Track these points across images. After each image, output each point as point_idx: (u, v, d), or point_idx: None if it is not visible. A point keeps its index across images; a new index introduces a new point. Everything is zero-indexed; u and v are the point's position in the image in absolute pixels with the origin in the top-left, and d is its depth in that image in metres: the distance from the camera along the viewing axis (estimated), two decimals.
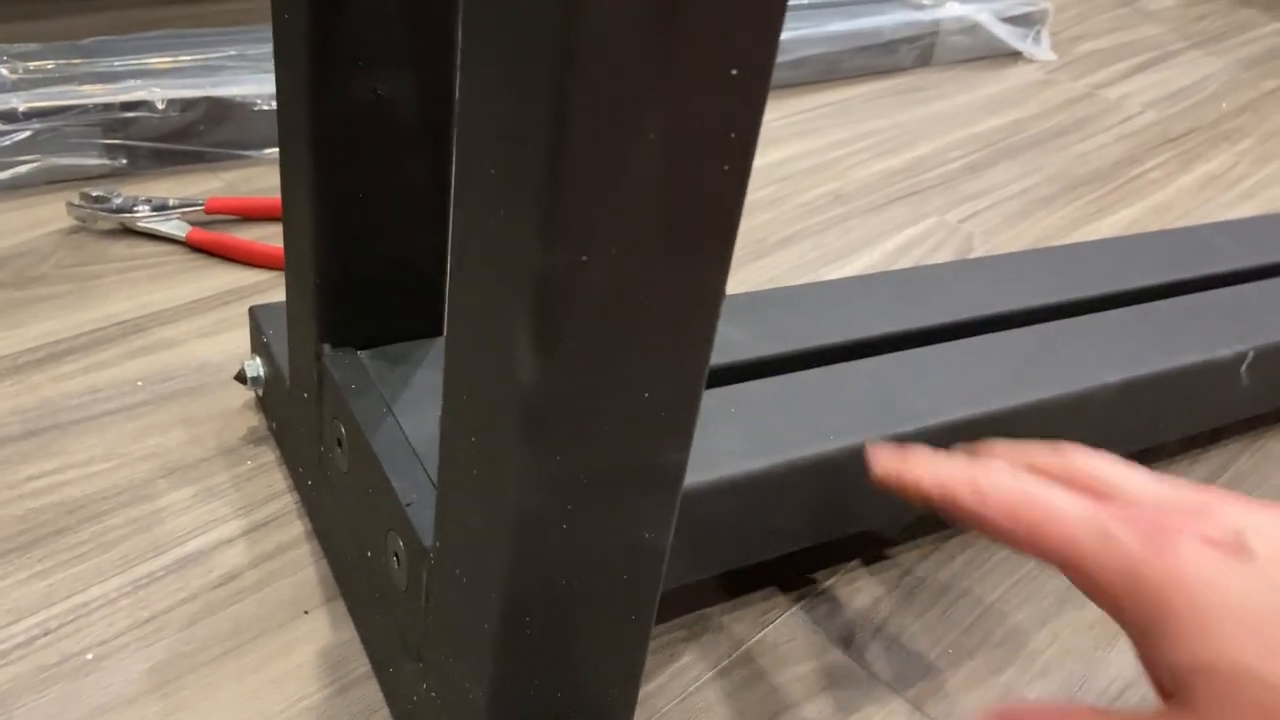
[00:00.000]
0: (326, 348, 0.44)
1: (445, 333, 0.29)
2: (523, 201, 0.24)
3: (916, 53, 1.18)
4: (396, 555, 0.38)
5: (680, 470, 0.30)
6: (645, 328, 0.26)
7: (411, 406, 0.42)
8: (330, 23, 0.37)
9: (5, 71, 0.75)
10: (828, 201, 0.89)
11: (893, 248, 0.83)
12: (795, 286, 0.56)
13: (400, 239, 0.43)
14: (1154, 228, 0.91)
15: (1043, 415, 0.50)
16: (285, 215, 0.44)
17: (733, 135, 0.24)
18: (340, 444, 0.43)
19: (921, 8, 1.18)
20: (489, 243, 0.25)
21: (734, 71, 0.23)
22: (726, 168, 0.25)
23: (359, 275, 0.43)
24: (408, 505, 0.37)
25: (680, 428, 0.29)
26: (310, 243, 0.41)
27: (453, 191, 0.27)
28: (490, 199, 0.25)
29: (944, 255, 0.83)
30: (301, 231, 0.42)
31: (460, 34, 0.25)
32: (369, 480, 0.40)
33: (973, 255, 0.83)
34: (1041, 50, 1.26)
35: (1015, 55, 1.26)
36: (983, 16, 1.20)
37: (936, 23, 1.17)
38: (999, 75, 1.21)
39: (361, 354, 0.44)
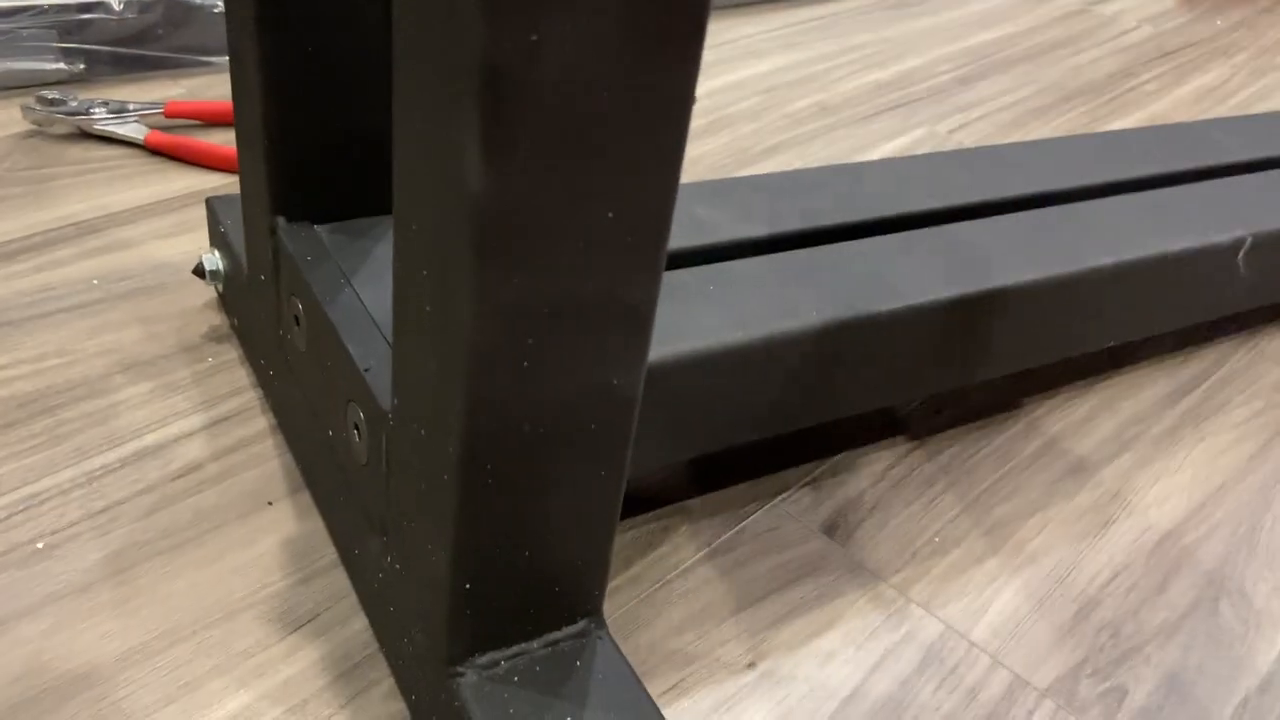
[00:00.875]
0: (281, 220, 0.42)
1: (393, 156, 0.27)
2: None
3: None
4: (357, 427, 0.36)
5: (650, 307, 0.28)
6: (607, 130, 0.24)
7: (370, 279, 0.40)
8: None
9: None
10: (814, 113, 0.86)
11: (879, 156, 0.81)
12: (778, 173, 0.54)
13: (351, 108, 0.40)
14: None
15: (1032, 296, 0.48)
16: (234, 88, 0.41)
17: None
18: (298, 321, 0.41)
19: None
20: (431, 29, 0.23)
21: None
22: None
23: (311, 146, 0.41)
24: (366, 371, 0.35)
25: (648, 256, 0.27)
26: (259, 107, 0.39)
27: None
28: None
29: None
30: (251, 102, 0.40)
31: None
32: (327, 354, 0.38)
33: None
34: None
35: None
36: None
37: None
38: None
39: (318, 228, 0.42)
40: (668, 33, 0.23)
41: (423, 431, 0.30)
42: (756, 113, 0.85)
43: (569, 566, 0.33)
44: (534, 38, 0.22)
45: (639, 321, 0.28)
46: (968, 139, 0.85)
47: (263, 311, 0.46)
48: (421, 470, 0.31)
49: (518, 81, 0.22)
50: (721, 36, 0.98)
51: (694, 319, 0.41)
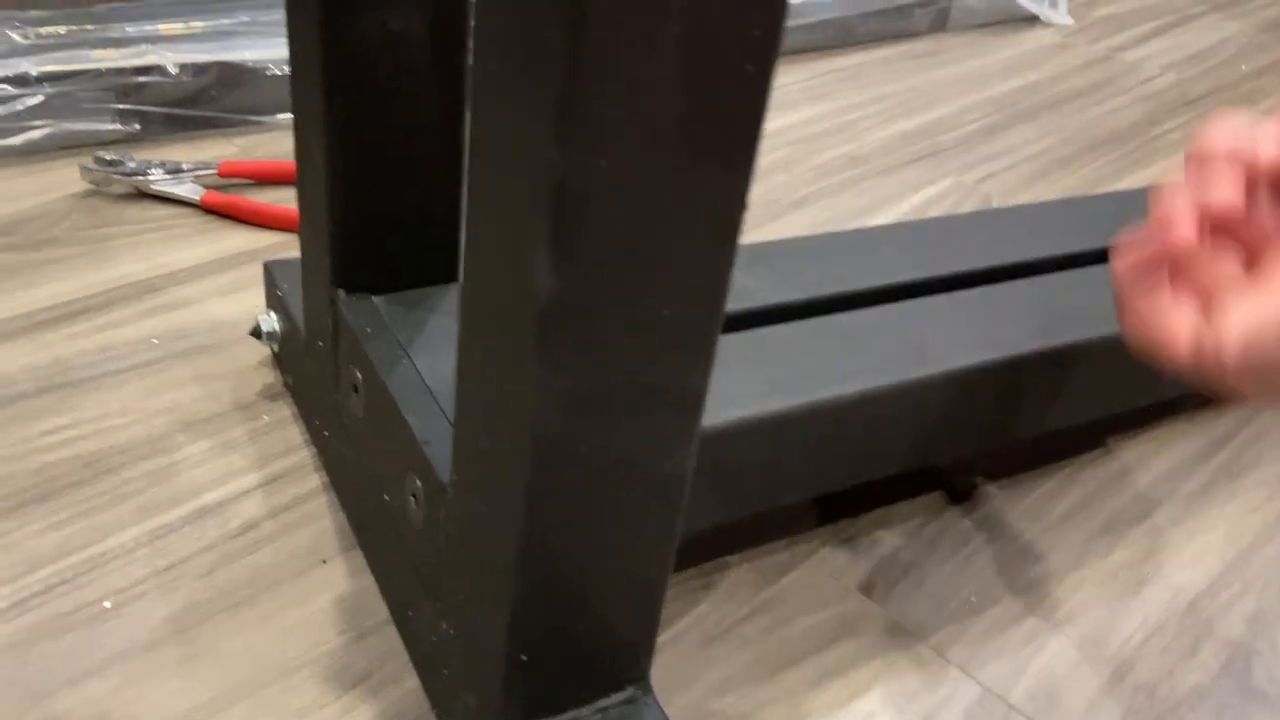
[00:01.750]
0: (341, 293, 0.43)
1: (462, 251, 0.29)
2: (537, 98, 0.23)
3: (931, 17, 1.16)
4: (414, 495, 0.38)
5: (700, 395, 0.30)
6: (665, 236, 0.26)
7: (427, 349, 0.41)
8: None
9: (17, 37, 0.75)
10: (843, 163, 0.88)
11: (909, 208, 0.82)
12: (812, 236, 0.55)
13: (414, 181, 0.42)
14: None
15: (1067, 361, 0.49)
16: (298, 159, 0.43)
17: (756, 33, 0.23)
18: (356, 389, 0.43)
19: None
20: (503, 145, 0.25)
21: None
22: (749, 68, 0.24)
23: (373, 218, 0.43)
24: (425, 444, 0.37)
25: (701, 348, 0.29)
26: (324, 185, 0.41)
27: (469, 93, 0.26)
28: (505, 96, 0.24)
29: (962, 210, 0.82)
30: (315, 174, 0.42)
31: None
32: (385, 423, 0.40)
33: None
34: (1059, 14, 1.24)
35: (1032, 19, 1.24)
36: None
37: None
38: (1015, 39, 1.19)
39: (376, 299, 0.44)
40: (724, 149, 0.25)
41: (483, 509, 0.31)
42: (787, 164, 0.87)
43: (620, 635, 0.34)
44: (602, 163, 0.23)
45: (691, 406, 0.30)
46: (995, 189, 0.86)
47: (319, 374, 0.48)
48: (479, 543, 0.32)
49: (585, 198, 0.24)
50: None
51: (739, 385, 0.42)
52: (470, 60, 0.26)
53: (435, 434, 0.37)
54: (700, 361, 0.29)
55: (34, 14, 0.79)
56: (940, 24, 1.18)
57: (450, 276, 0.46)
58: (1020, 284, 0.52)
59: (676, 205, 0.25)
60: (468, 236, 0.28)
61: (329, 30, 0.38)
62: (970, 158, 0.91)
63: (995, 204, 0.84)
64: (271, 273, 0.53)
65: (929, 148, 0.92)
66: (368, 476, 0.44)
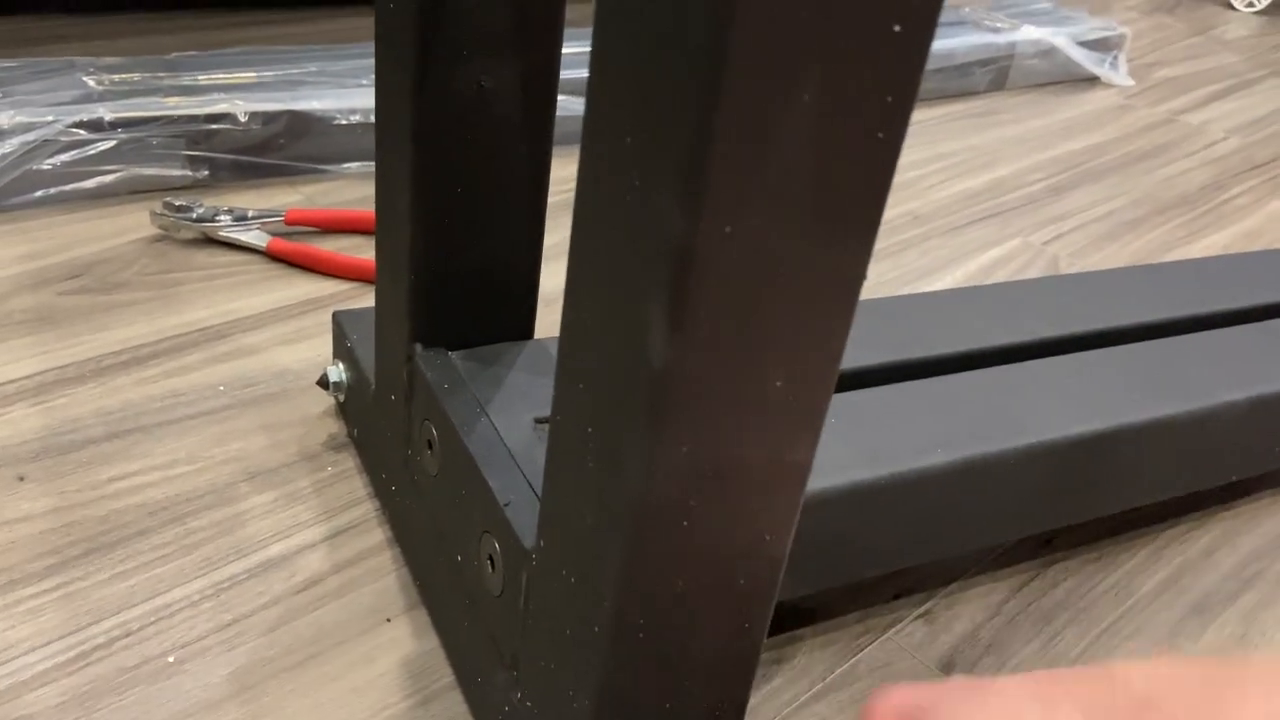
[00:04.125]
0: (418, 348, 0.43)
1: (562, 317, 0.28)
2: (664, 167, 0.22)
3: (991, 76, 1.16)
4: (491, 558, 0.37)
5: (805, 469, 0.29)
6: (784, 308, 0.25)
7: (505, 407, 0.41)
8: (437, 11, 0.36)
9: (92, 83, 0.76)
10: (907, 221, 0.87)
11: (975, 268, 0.81)
12: (892, 297, 0.54)
13: (496, 236, 0.42)
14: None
15: (1157, 434, 0.47)
16: (380, 212, 0.43)
17: (889, 99, 0.23)
18: (431, 446, 0.42)
19: (996, 30, 1.16)
20: (619, 213, 0.24)
21: (896, 27, 0.22)
22: (880, 135, 0.23)
23: (454, 273, 0.42)
24: (506, 505, 0.36)
25: (810, 422, 0.27)
26: (407, 239, 0.41)
27: (580, 160, 0.25)
28: (624, 164, 0.24)
29: (1032, 275, 0.80)
30: (398, 227, 0.41)
31: None
32: (462, 482, 0.39)
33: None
34: (1119, 75, 1.23)
35: (1092, 80, 1.24)
36: (1059, 40, 1.18)
37: (1012, 46, 1.15)
38: (1076, 100, 1.18)
39: (453, 354, 0.43)
40: (850, 217, 0.24)
41: (572, 580, 0.30)
42: None
43: (708, 714, 0.32)
44: (728, 229, 0.23)
45: (797, 480, 0.29)
46: (1063, 250, 0.85)
47: (388, 428, 0.47)
48: (568, 616, 0.31)
49: (708, 266, 0.23)
50: None
51: (823, 454, 0.41)
52: (583, 121, 0.25)
53: (516, 496, 0.36)
54: (808, 435, 0.28)
55: (107, 60, 0.80)
56: (1000, 83, 1.17)
57: (526, 333, 0.45)
58: (1106, 352, 0.51)
59: (798, 275, 0.24)
60: (569, 300, 0.27)
61: (421, 85, 0.37)
62: (1036, 218, 0.89)
63: (1064, 266, 0.82)
64: (340, 324, 0.53)
65: (993, 207, 0.91)
66: (438, 535, 0.43)
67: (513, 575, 0.35)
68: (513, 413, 0.40)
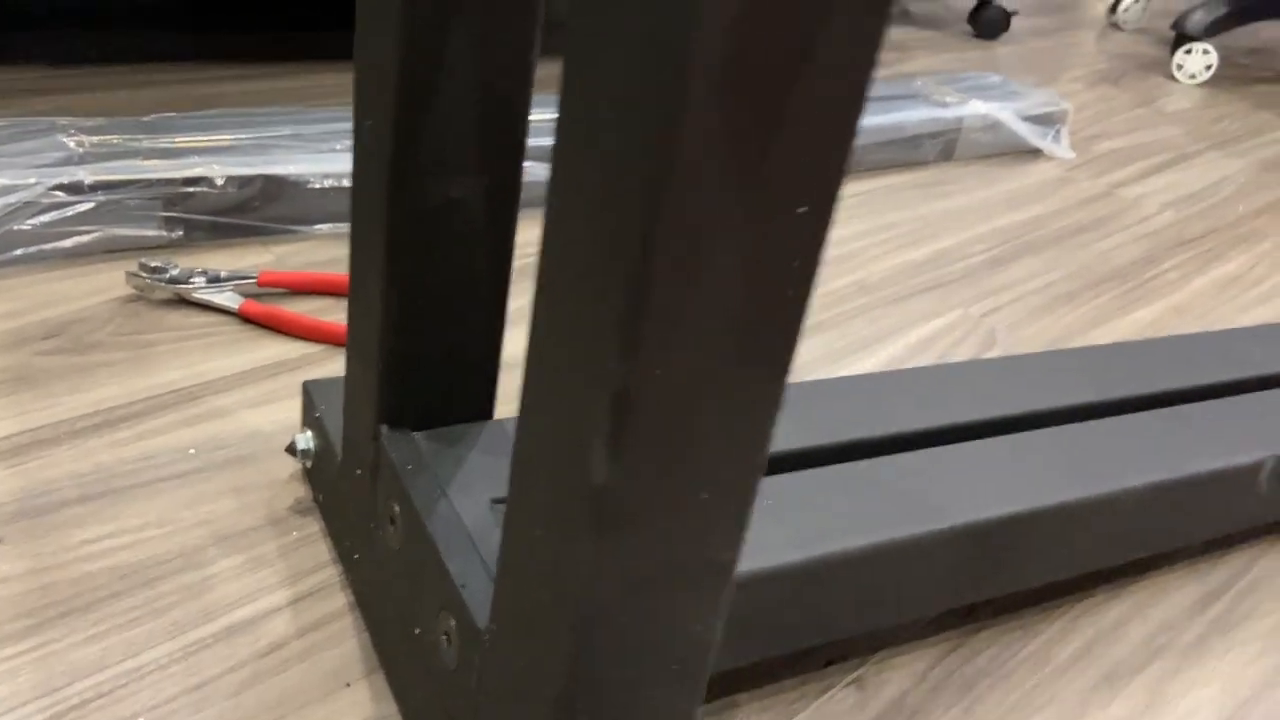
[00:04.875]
0: (384, 428, 0.46)
1: (516, 430, 0.31)
2: (607, 319, 0.26)
3: (940, 148, 1.21)
4: (447, 635, 0.40)
5: (731, 566, 0.32)
6: (711, 432, 0.28)
7: (465, 489, 0.44)
8: (412, 132, 0.40)
9: (72, 144, 0.79)
10: (853, 291, 0.91)
11: (916, 339, 0.85)
12: (828, 379, 0.58)
13: (460, 327, 0.45)
14: (1173, 327, 0.93)
15: (1069, 516, 0.51)
16: (353, 301, 0.46)
17: (796, 264, 0.26)
18: (393, 522, 0.45)
19: (945, 105, 1.22)
20: (568, 351, 0.28)
21: (801, 210, 0.25)
22: (790, 293, 0.27)
23: (420, 360, 0.45)
24: (462, 587, 0.39)
25: (735, 526, 0.31)
26: (377, 329, 0.44)
27: (534, 301, 0.29)
28: (574, 313, 0.27)
29: (968, 348, 0.85)
30: (369, 318, 0.44)
31: (551, 161, 0.27)
32: (422, 560, 0.42)
33: (996, 349, 0.85)
34: (1061, 148, 1.29)
35: (1036, 152, 1.30)
36: (1004, 115, 1.24)
37: (959, 120, 1.21)
38: (1020, 172, 1.24)
39: (417, 435, 0.46)
40: (767, 360, 0.28)
41: (520, 663, 0.33)
42: None
43: None
44: (659, 373, 0.26)
45: (722, 579, 0.32)
46: (1000, 322, 0.89)
47: (353, 499, 0.50)
48: (515, 694, 0.34)
49: (641, 403, 0.26)
50: None
51: (757, 536, 0.44)
52: (535, 280, 0.29)
53: (472, 578, 0.39)
54: (734, 537, 0.31)
55: (89, 121, 0.83)
56: (948, 154, 1.23)
57: (486, 413, 0.48)
58: (1023, 437, 0.55)
59: (721, 405, 0.28)
60: (521, 421, 0.31)
61: (395, 196, 0.41)
62: (976, 290, 0.94)
63: (1000, 338, 0.87)
64: (310, 394, 0.56)
65: (936, 279, 0.95)
66: (398, 606, 0.46)
67: (467, 653, 0.38)
68: (472, 494, 0.43)
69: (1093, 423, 0.57)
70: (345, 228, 0.85)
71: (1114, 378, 0.62)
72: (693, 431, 0.28)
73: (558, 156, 0.27)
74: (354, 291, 0.46)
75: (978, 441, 0.54)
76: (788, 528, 0.45)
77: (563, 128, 0.27)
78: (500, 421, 0.48)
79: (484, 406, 0.48)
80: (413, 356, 0.45)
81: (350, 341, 0.48)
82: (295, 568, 0.53)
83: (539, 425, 0.30)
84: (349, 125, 0.90)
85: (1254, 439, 0.58)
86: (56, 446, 0.59)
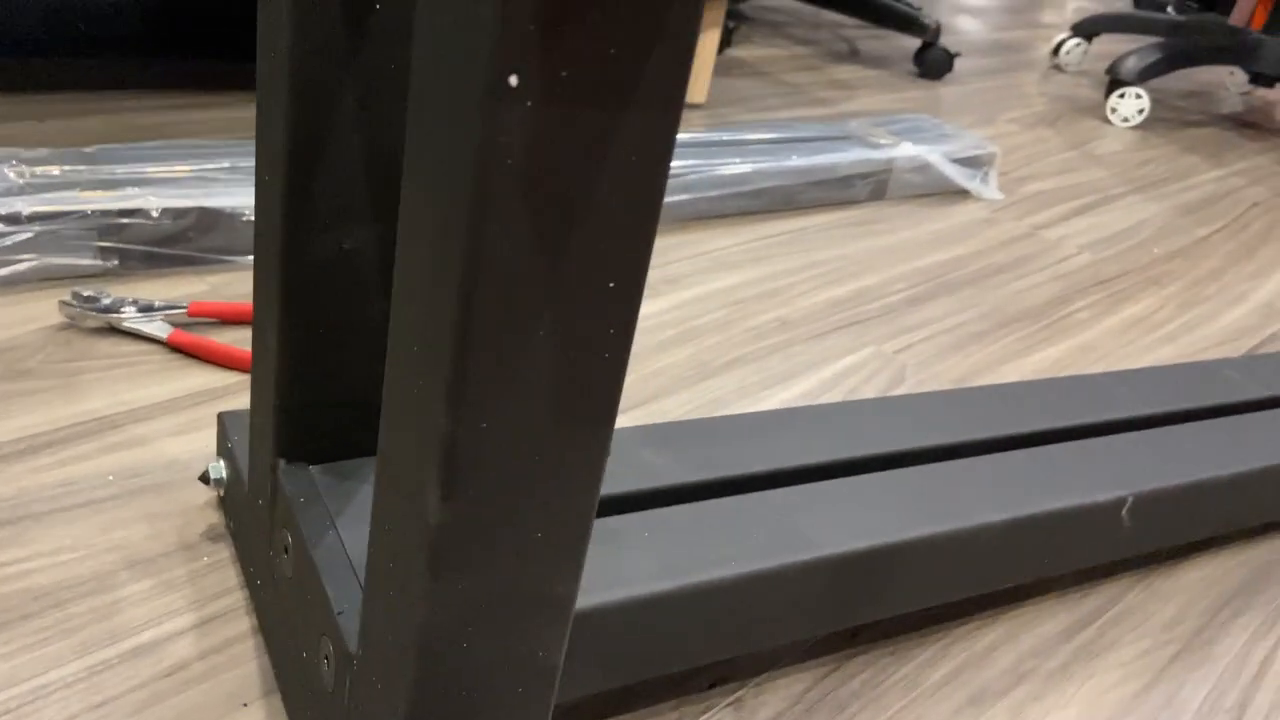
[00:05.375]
0: (282, 462, 0.49)
1: (375, 470, 0.34)
2: (435, 379, 0.29)
3: (871, 187, 1.26)
4: (327, 658, 0.42)
5: (571, 597, 0.35)
6: (538, 479, 0.31)
7: (353, 521, 0.47)
8: (304, 187, 0.43)
9: (13, 175, 0.81)
10: (774, 327, 0.95)
11: (830, 374, 0.89)
12: (718, 417, 0.61)
13: (352, 369, 0.48)
14: (1078, 366, 0.98)
15: (931, 549, 0.55)
16: (254, 342, 0.49)
17: (611, 331, 0.30)
18: (286, 551, 0.48)
19: (878, 147, 1.27)
20: (408, 406, 0.31)
21: (611, 284, 0.29)
22: (606, 356, 0.30)
23: (315, 400, 0.48)
24: (339, 614, 0.42)
25: (569, 562, 0.34)
26: (274, 371, 0.47)
27: (386, 363, 0.32)
28: (412, 371, 0.30)
29: (878, 384, 0.89)
30: (267, 360, 0.47)
31: (397, 245, 0.31)
32: (308, 587, 0.45)
33: (904, 386, 0.89)
34: (989, 190, 1.34)
35: (965, 193, 1.35)
36: (934, 157, 1.29)
37: (890, 161, 1.26)
38: (947, 212, 1.29)
39: (312, 468, 0.49)
40: (587, 416, 0.31)
41: (379, 685, 0.36)
42: (722, 325, 0.94)
43: None
44: (484, 425, 0.29)
45: (561, 609, 0.35)
46: (911, 359, 0.94)
47: (255, 528, 0.53)
48: (376, 714, 0.37)
49: (468, 453, 0.30)
50: (698, 248, 1.08)
51: (629, 565, 0.48)
52: (388, 338, 0.32)
53: (349, 604, 0.42)
54: (569, 571, 0.34)
55: (31, 153, 0.85)
56: (880, 194, 1.27)
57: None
58: (900, 472, 0.59)
59: (547, 455, 0.31)
60: (379, 463, 0.34)
61: (290, 247, 0.44)
62: (892, 328, 0.98)
63: (910, 374, 0.91)
64: (225, 424, 0.59)
65: (855, 315, 1.00)
66: (291, 631, 0.48)
67: (341, 675, 0.41)
68: (359, 527, 0.46)
69: (964, 460, 0.61)
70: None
71: (992, 417, 0.66)
72: (520, 478, 0.31)
73: (400, 242, 0.30)
74: (255, 333, 0.49)
75: (852, 478, 0.58)
76: (663, 558, 0.48)
77: (402, 216, 0.30)
78: None
79: (375, 442, 0.51)
80: (308, 395, 0.48)
81: (252, 380, 0.51)
82: (203, 592, 0.56)
83: (389, 468, 0.33)
84: None
85: (1115, 478, 0.62)
86: None
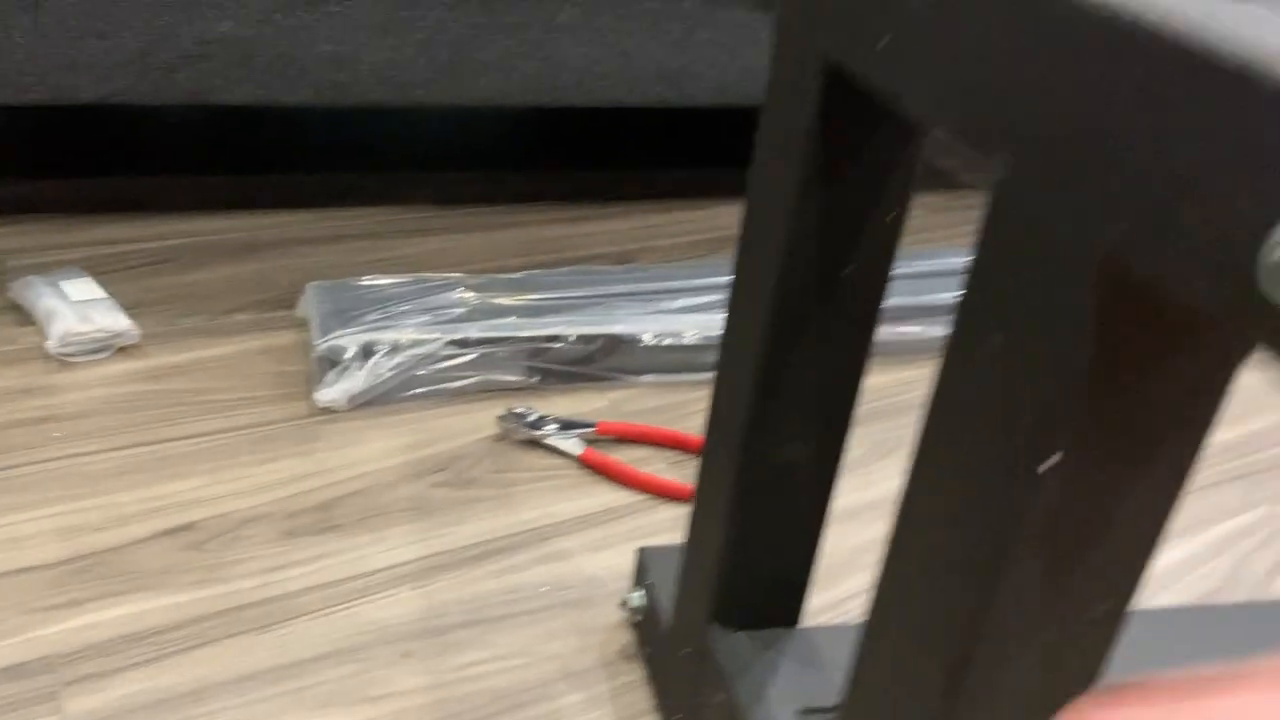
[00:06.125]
0: (715, 626, 0.56)
1: (849, 685, 0.40)
2: (931, 668, 0.34)
3: None
4: None
5: None
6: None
7: (778, 697, 0.53)
8: (764, 409, 0.50)
9: (461, 299, 0.97)
10: None
11: (1215, 537, 0.85)
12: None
13: (785, 550, 0.55)
14: None
15: None
16: (694, 524, 0.57)
17: (1093, 661, 0.34)
18: (715, 708, 0.55)
19: None
20: (896, 683, 0.36)
21: (1104, 609, 0.33)
22: (1079, 688, 0.34)
23: (750, 574, 0.55)
24: None
25: None
26: (718, 551, 0.54)
27: (869, 619, 0.38)
28: (906, 643, 0.36)
29: (1276, 552, 0.84)
30: (710, 541, 0.55)
31: (890, 541, 0.36)
32: None
33: None
34: None
35: None
36: None
37: None
38: None
39: (740, 635, 0.56)
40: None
41: None
42: None
43: None
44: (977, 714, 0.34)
45: None
46: None
47: (676, 668, 0.61)
48: None
49: None
50: None
51: None
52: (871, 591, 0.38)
53: None
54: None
55: (475, 279, 1.01)
56: None
57: (793, 621, 0.58)
58: None
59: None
60: (857, 682, 0.40)
61: (741, 457, 0.51)
62: None
63: None
64: (644, 559, 0.68)
65: (1246, 467, 0.94)
66: None
67: None
68: (783, 702, 0.53)
69: None
70: (668, 378, 0.98)
71: None
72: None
73: (895, 540, 0.36)
74: (696, 517, 0.57)
75: None
76: None
77: (903, 516, 0.36)
78: (805, 630, 0.58)
79: (793, 615, 0.58)
80: (744, 570, 0.55)
81: (691, 551, 0.59)
82: (624, 709, 0.65)
83: (876, 684, 0.39)
84: (672, 285, 1.04)
85: None
86: (446, 574, 0.74)
